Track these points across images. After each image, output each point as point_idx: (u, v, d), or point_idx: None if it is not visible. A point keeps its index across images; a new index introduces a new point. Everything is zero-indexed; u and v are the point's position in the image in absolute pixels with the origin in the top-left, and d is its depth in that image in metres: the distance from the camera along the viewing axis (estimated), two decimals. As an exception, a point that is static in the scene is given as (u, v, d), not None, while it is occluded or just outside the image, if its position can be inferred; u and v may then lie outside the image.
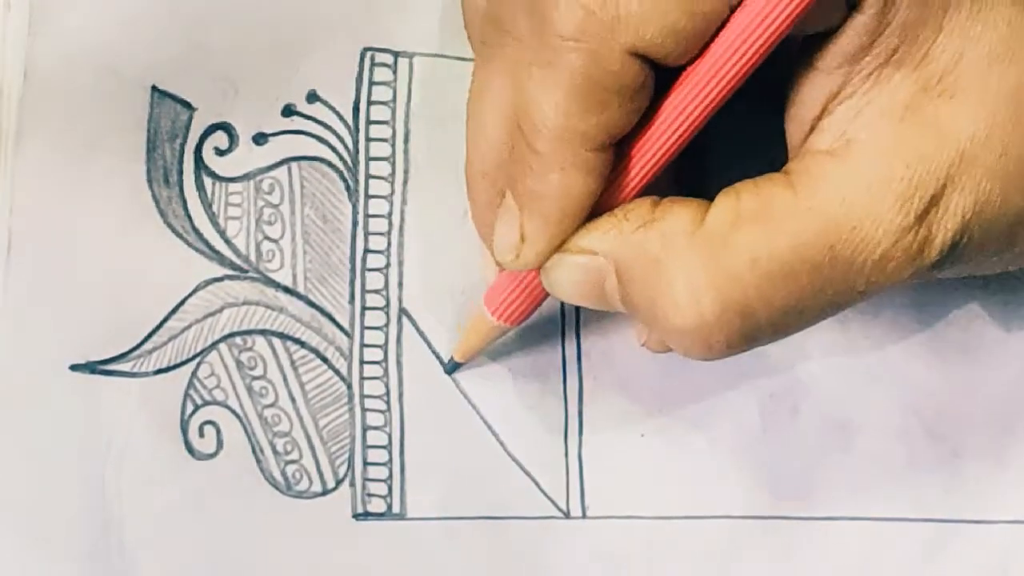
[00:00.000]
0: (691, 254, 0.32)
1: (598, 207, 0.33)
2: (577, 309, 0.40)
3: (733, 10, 0.31)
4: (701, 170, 0.35)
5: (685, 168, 0.35)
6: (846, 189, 0.31)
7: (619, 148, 0.32)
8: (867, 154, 0.31)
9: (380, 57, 0.40)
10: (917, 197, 0.31)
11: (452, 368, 0.39)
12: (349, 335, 0.39)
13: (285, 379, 0.39)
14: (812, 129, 0.32)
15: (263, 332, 0.39)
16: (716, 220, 0.32)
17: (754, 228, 0.31)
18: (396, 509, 0.39)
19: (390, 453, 0.39)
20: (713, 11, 0.31)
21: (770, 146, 0.35)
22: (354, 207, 0.40)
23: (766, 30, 0.30)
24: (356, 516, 0.39)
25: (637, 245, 0.32)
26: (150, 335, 0.39)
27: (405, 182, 0.40)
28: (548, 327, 0.40)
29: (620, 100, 0.31)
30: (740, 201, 0.32)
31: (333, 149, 0.40)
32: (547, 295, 0.35)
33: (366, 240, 0.40)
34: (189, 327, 0.39)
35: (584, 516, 0.39)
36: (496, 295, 0.36)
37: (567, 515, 0.39)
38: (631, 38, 0.30)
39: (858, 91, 0.32)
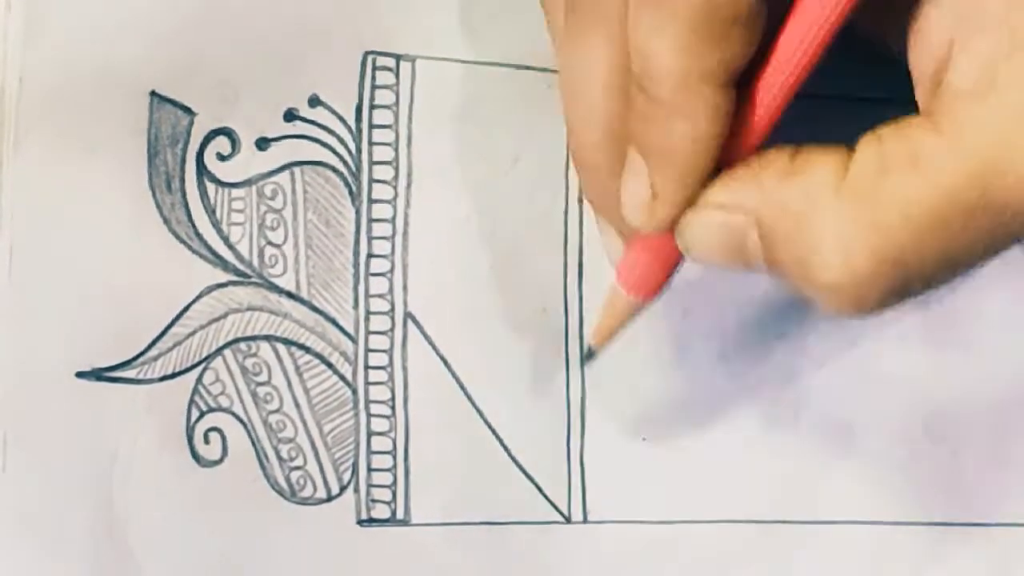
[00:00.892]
0: (839, 208, 0.30)
1: (725, 158, 0.31)
2: (580, 314, 0.40)
3: None
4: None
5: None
6: (996, 130, 0.29)
7: (740, 90, 0.31)
8: (1013, 90, 0.29)
9: (382, 60, 0.40)
10: None
11: (589, 356, 0.37)
12: (354, 340, 0.39)
13: (290, 385, 0.39)
14: (944, 63, 0.31)
15: (267, 338, 0.39)
16: (861, 170, 0.30)
17: (903, 176, 0.30)
18: (400, 515, 0.39)
19: (395, 459, 0.39)
20: None
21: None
22: (357, 211, 0.40)
23: None
24: (360, 522, 0.39)
25: (779, 200, 0.31)
26: (155, 341, 0.39)
27: (408, 186, 0.40)
28: (552, 332, 0.40)
29: (739, 29, 0.30)
30: (884, 147, 0.30)
31: (336, 153, 0.40)
32: (681, 260, 0.34)
33: (370, 244, 0.40)
34: (194, 333, 0.39)
35: (585, 521, 0.40)
36: (628, 268, 0.34)
37: (568, 520, 0.40)
38: None
39: (989, 19, 0.30)
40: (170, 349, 0.39)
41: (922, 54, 0.31)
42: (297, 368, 0.39)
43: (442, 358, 0.40)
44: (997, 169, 0.29)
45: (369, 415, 0.39)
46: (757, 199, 0.31)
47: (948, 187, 0.30)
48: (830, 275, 0.30)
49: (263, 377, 0.39)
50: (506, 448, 0.40)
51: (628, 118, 0.32)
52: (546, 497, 0.40)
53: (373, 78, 0.40)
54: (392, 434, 0.39)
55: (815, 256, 0.30)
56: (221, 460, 0.39)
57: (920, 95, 0.32)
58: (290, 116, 0.39)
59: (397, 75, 0.40)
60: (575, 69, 0.33)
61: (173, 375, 0.39)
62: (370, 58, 0.40)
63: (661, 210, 0.32)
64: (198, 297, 0.39)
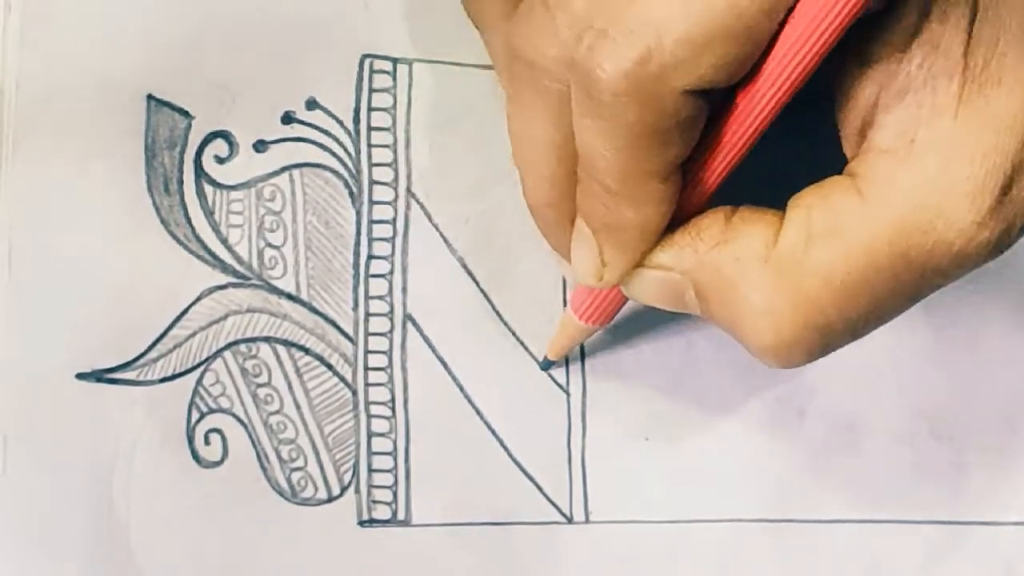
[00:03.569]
0: (767, 278, 0.32)
1: (672, 218, 0.33)
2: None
3: (782, 25, 0.30)
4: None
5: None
6: (915, 194, 0.31)
7: (686, 164, 0.32)
8: (931, 155, 0.31)
9: (379, 64, 0.40)
10: (987, 192, 0.31)
11: (547, 366, 0.40)
12: (353, 341, 0.39)
13: (290, 386, 0.39)
14: (869, 122, 0.32)
15: (267, 339, 0.39)
16: (789, 241, 0.32)
17: (827, 245, 0.31)
18: (401, 516, 0.39)
19: (395, 460, 0.39)
20: (762, 33, 0.30)
21: (816, 134, 0.34)
22: (358, 213, 0.40)
23: (819, 38, 0.30)
24: (361, 523, 0.39)
25: (712, 266, 0.33)
26: (155, 343, 0.39)
27: (408, 188, 0.40)
28: (551, 332, 0.40)
29: (680, 134, 0.31)
30: (811, 217, 0.32)
31: (335, 155, 0.40)
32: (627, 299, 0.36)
33: (370, 246, 0.40)
34: (193, 335, 0.39)
35: (587, 521, 0.39)
36: (580, 301, 0.37)
37: (570, 520, 0.39)
38: (683, 81, 0.30)
39: (912, 84, 0.31)
40: (170, 351, 0.39)
41: (849, 111, 0.32)
42: (297, 369, 0.39)
43: (441, 359, 0.40)
44: (916, 231, 0.31)
45: (369, 416, 0.39)
46: (693, 263, 0.33)
47: (870, 255, 0.31)
48: (760, 340, 0.32)
49: (263, 378, 0.39)
50: (506, 448, 0.39)
51: (576, 185, 0.33)
52: (547, 497, 0.39)
53: (370, 81, 0.40)
54: (392, 435, 0.39)
55: (745, 321, 0.32)
56: (222, 461, 0.39)
57: (847, 148, 0.33)
58: (288, 119, 0.40)
59: (394, 78, 0.40)
60: (522, 132, 0.34)
61: (173, 376, 0.39)
62: (367, 61, 0.40)
63: (608, 276, 0.34)
64: (198, 299, 0.39)
